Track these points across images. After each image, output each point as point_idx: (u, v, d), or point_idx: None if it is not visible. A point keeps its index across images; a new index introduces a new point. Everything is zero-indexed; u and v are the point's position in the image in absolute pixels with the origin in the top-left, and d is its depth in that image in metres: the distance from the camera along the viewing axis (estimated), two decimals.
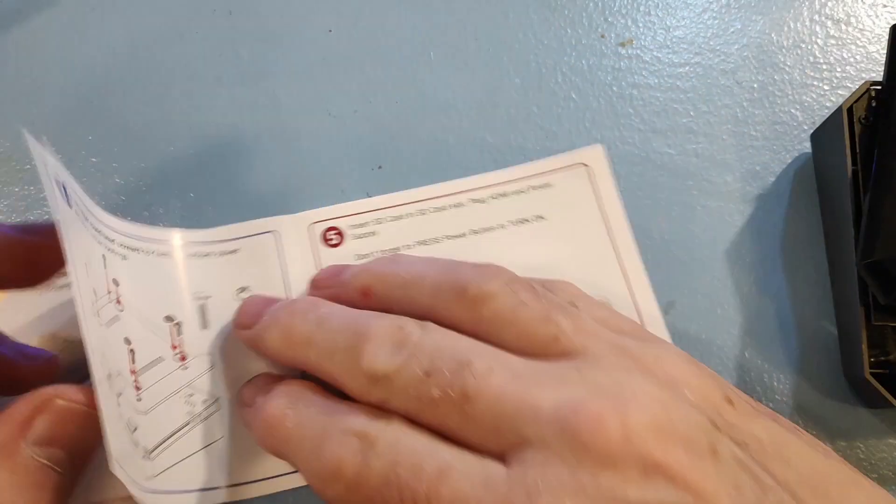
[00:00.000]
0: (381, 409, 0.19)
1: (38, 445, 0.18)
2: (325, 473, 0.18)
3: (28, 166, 0.29)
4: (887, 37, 0.26)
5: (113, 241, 0.23)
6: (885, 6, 0.32)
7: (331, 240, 0.27)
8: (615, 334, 0.20)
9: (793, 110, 0.30)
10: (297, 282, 0.26)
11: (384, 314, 0.20)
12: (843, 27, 0.32)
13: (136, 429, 0.21)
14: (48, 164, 0.19)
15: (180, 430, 0.23)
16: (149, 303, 0.23)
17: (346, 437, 0.18)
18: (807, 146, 0.29)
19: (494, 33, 0.32)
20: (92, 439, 0.19)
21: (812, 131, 0.29)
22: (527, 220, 0.27)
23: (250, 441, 0.23)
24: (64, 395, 0.18)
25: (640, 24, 0.32)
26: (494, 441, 0.17)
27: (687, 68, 0.31)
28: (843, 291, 0.26)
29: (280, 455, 0.20)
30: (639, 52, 0.31)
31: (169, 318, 0.24)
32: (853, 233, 0.24)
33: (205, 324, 0.24)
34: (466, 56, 0.31)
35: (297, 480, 0.23)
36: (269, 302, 0.24)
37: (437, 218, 0.27)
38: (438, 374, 0.18)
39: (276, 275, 0.26)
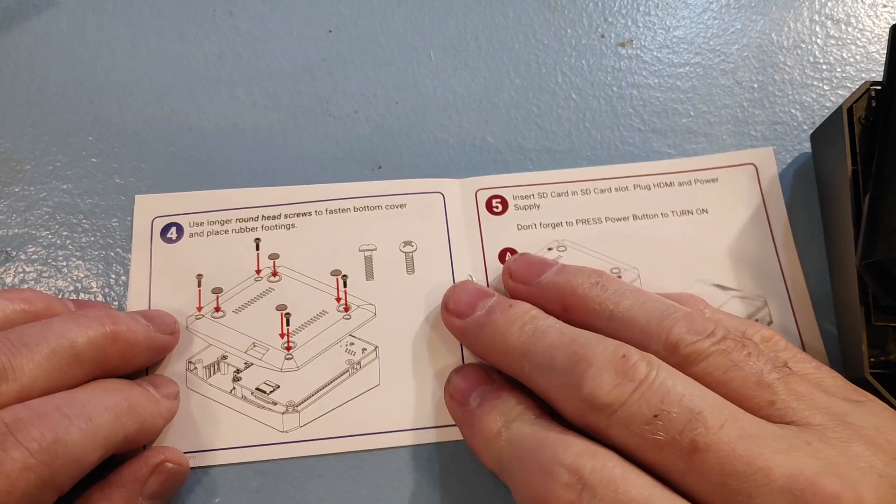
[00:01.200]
0: (595, 439, 0.19)
1: (150, 499, 0.22)
2: (534, 502, 0.18)
3: (28, 167, 0.29)
4: (887, 37, 0.26)
5: (278, 216, 0.27)
6: (885, 6, 0.32)
7: (495, 208, 0.28)
8: (829, 398, 0.19)
9: (793, 110, 0.30)
10: (457, 243, 0.27)
11: (603, 337, 0.20)
12: (843, 27, 0.32)
13: (273, 390, 0.25)
14: (154, 215, 0.27)
15: (338, 378, 0.25)
16: (316, 261, 0.27)
17: (557, 468, 0.18)
18: (807, 146, 0.29)
19: (494, 33, 0.32)
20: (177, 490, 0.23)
21: (812, 131, 0.29)
22: (690, 212, 0.28)
23: (406, 389, 0.25)
24: (172, 459, 0.22)
25: (640, 25, 0.32)
26: (720, 498, 0.17)
27: (687, 68, 0.31)
28: (843, 291, 0.26)
29: (490, 466, 0.21)
30: (639, 52, 0.31)
31: (336, 272, 0.27)
32: (853, 233, 0.24)
33: (370, 275, 0.27)
34: (466, 56, 0.31)
35: (447, 435, 0.24)
36: (482, 294, 0.24)
37: (600, 199, 0.28)
38: (667, 417, 0.18)
39: (441, 232, 0.27)
